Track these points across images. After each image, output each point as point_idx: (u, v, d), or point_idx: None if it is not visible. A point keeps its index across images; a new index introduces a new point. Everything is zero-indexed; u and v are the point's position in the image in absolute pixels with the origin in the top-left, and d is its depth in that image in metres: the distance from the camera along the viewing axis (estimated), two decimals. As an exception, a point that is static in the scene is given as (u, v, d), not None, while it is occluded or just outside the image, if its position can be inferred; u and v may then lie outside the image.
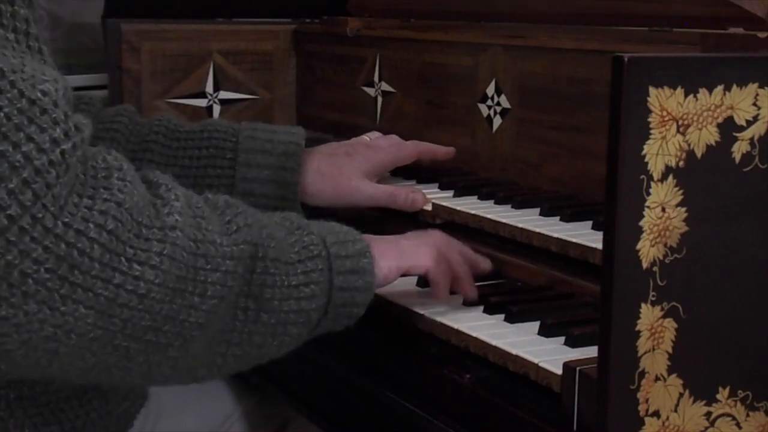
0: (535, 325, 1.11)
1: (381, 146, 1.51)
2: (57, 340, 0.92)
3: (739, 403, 0.97)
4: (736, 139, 0.94)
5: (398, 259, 1.17)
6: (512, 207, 1.35)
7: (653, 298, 0.91)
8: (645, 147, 0.89)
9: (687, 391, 0.94)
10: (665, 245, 0.91)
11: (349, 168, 1.46)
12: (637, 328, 0.91)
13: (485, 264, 1.27)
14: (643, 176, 0.89)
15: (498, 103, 1.51)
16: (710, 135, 0.92)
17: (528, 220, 1.28)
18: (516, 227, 1.27)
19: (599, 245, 0.96)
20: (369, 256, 1.12)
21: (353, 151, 1.48)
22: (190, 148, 1.45)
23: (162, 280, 0.94)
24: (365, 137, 1.56)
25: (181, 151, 1.45)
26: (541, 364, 1.01)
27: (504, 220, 1.29)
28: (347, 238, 1.12)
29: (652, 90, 0.89)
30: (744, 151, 0.94)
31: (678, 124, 0.90)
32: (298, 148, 1.44)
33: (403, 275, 1.19)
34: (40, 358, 0.93)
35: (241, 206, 1.06)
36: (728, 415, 0.97)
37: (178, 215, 0.96)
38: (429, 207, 1.42)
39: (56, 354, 0.93)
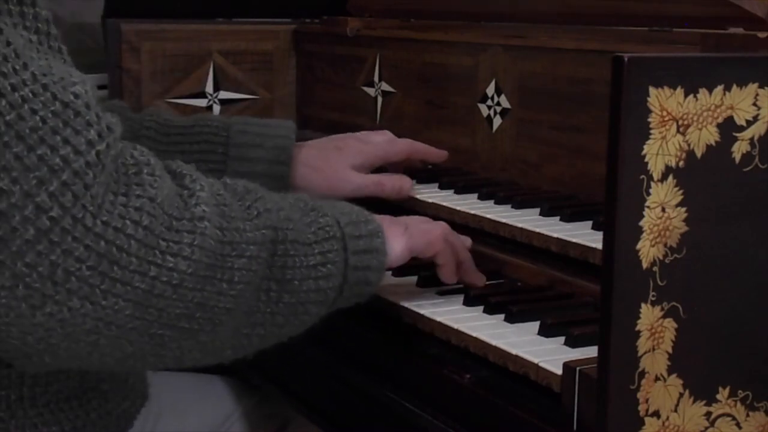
0: (535, 325, 1.11)
1: (372, 141, 1.52)
2: (98, 332, 0.95)
3: (739, 403, 0.97)
4: (736, 139, 0.94)
5: (409, 241, 1.19)
6: (512, 207, 1.35)
7: (653, 298, 0.91)
8: (645, 147, 0.89)
9: (687, 391, 0.94)
10: (665, 245, 0.91)
11: (338, 161, 1.47)
12: (637, 328, 0.91)
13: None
14: (643, 176, 0.89)
15: (498, 103, 1.51)
16: (710, 135, 0.92)
17: (528, 220, 1.28)
18: (516, 227, 1.27)
19: (599, 245, 0.96)
20: (381, 236, 1.14)
21: (343, 145, 1.49)
22: (181, 143, 1.46)
23: (194, 270, 0.97)
24: (360, 132, 1.56)
25: (172, 146, 1.46)
26: (541, 364, 1.01)
27: (504, 220, 1.29)
28: (359, 218, 1.14)
29: (652, 90, 0.89)
30: (744, 151, 0.94)
31: (678, 124, 0.90)
32: (290, 142, 1.45)
33: (414, 259, 1.21)
34: (81, 349, 0.97)
35: (259, 191, 1.08)
36: (728, 415, 0.97)
37: (204, 205, 0.99)
38: (430, 200, 1.42)
39: (97, 345, 0.97)
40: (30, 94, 0.92)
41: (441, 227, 1.23)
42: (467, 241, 1.28)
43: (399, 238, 1.18)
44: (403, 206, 1.46)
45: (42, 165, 0.90)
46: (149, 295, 0.95)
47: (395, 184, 1.46)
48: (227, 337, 1.04)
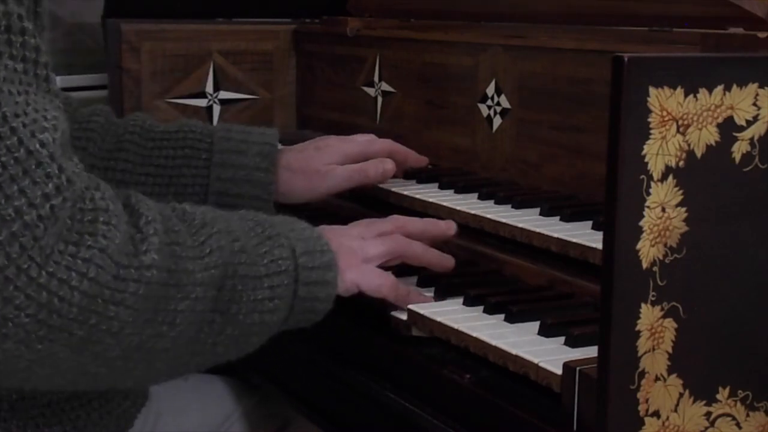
0: (535, 325, 1.11)
1: (353, 139, 1.52)
2: (31, 371, 0.95)
3: (739, 403, 0.97)
4: (736, 139, 0.93)
5: (360, 278, 1.19)
6: (512, 207, 1.35)
7: (653, 298, 0.91)
8: (645, 147, 0.89)
9: (687, 391, 0.94)
10: (665, 245, 0.91)
11: (318, 160, 1.47)
12: (637, 328, 0.91)
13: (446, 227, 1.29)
14: (643, 176, 0.89)
15: (498, 103, 1.51)
16: (710, 135, 0.92)
17: (528, 220, 1.28)
18: (516, 227, 1.27)
19: (599, 245, 0.96)
20: (335, 269, 1.14)
21: (323, 145, 1.49)
22: (165, 148, 1.46)
23: (135, 318, 0.96)
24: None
25: (156, 151, 1.46)
26: (541, 364, 1.01)
27: (504, 220, 1.29)
28: (316, 247, 1.13)
29: (652, 90, 0.89)
30: (744, 151, 0.94)
31: (678, 124, 0.90)
32: (273, 149, 1.46)
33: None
34: (13, 382, 0.98)
35: (217, 224, 1.06)
36: (728, 415, 0.97)
37: (155, 253, 0.98)
38: (430, 200, 1.42)
39: (28, 380, 0.98)
40: None
41: (399, 246, 1.23)
42: (450, 227, 1.28)
43: (353, 272, 1.18)
44: (402, 206, 1.46)
45: None
46: (87, 341, 0.95)
47: (378, 167, 1.46)
48: (163, 369, 1.04)
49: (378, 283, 1.20)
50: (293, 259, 1.10)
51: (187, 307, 1.00)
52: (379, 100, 1.76)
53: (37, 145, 0.92)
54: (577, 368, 0.95)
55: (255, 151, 1.45)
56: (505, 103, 1.50)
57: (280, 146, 1.48)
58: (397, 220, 1.28)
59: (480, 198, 1.41)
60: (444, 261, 1.27)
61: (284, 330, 1.14)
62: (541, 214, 1.31)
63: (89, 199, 0.95)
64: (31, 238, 0.90)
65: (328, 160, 1.47)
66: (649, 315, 0.91)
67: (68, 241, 0.93)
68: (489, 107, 1.53)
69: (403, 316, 1.20)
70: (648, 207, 0.90)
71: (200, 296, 1.01)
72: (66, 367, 0.96)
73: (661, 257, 0.91)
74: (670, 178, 0.91)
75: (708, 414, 0.96)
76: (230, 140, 1.46)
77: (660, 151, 0.90)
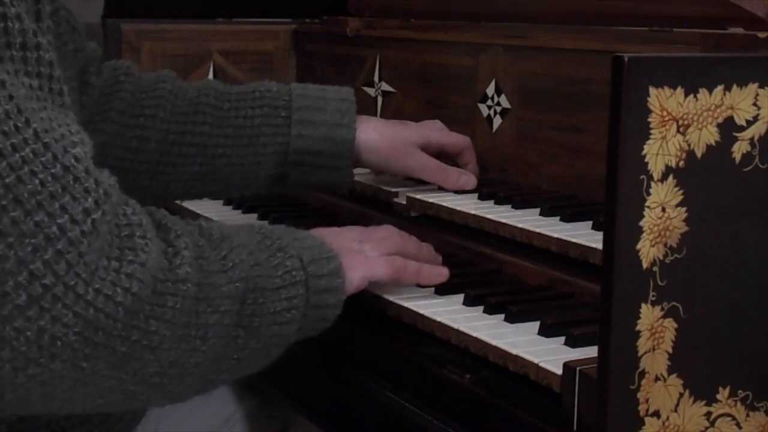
0: (535, 325, 1.11)
1: (431, 127, 1.52)
2: (74, 390, 0.96)
3: (739, 403, 0.97)
4: (736, 139, 0.93)
5: (367, 270, 1.19)
6: (512, 207, 1.35)
7: (653, 298, 0.91)
8: (645, 147, 0.89)
9: (687, 391, 0.94)
10: (665, 245, 0.91)
11: (406, 134, 1.47)
12: (637, 328, 0.91)
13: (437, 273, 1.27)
14: (643, 176, 0.89)
15: (498, 103, 1.51)
16: (710, 135, 0.92)
17: (528, 220, 1.28)
18: (516, 227, 1.27)
19: (599, 245, 0.96)
20: (342, 275, 1.14)
21: (407, 123, 1.50)
22: (243, 108, 1.45)
23: (172, 333, 0.97)
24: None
25: (233, 112, 1.45)
26: (541, 364, 1.01)
27: (504, 220, 1.29)
28: (321, 254, 1.13)
29: (652, 90, 0.89)
30: (744, 151, 0.94)
31: (678, 124, 0.90)
32: (352, 105, 1.45)
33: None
34: (54, 404, 0.98)
35: (234, 238, 1.07)
36: (728, 415, 0.97)
37: (188, 266, 0.99)
38: (430, 200, 1.42)
39: (70, 401, 0.98)
40: (31, 155, 0.91)
41: (397, 244, 1.24)
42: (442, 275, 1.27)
43: (359, 267, 1.18)
44: (403, 206, 1.46)
45: (38, 232, 0.90)
46: (129, 357, 0.95)
47: (461, 177, 1.46)
48: (193, 385, 1.05)
49: (386, 269, 1.20)
50: (303, 269, 1.11)
51: (217, 320, 1.01)
52: (379, 100, 1.76)
53: (72, 160, 0.92)
54: (577, 368, 0.95)
55: (334, 107, 1.44)
56: (505, 103, 1.50)
57: None
58: (391, 229, 1.28)
59: (480, 198, 1.41)
60: (437, 270, 1.25)
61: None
62: (541, 214, 1.31)
63: (123, 215, 0.96)
64: (77, 255, 0.91)
65: (415, 139, 1.47)
66: (649, 315, 0.91)
67: (110, 256, 0.93)
68: (489, 107, 1.53)
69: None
70: (648, 207, 0.90)
71: (227, 309, 1.02)
72: (106, 386, 0.97)
73: (661, 257, 0.91)
74: (670, 178, 0.91)
75: (708, 414, 0.96)
76: (308, 97, 1.45)
77: (660, 151, 0.90)
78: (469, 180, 1.45)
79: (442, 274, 1.24)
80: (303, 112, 1.43)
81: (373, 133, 1.46)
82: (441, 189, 1.48)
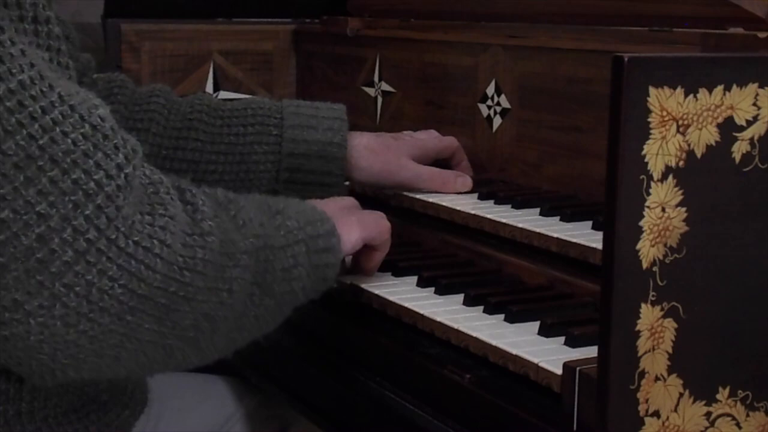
0: (535, 325, 1.11)
1: (422, 137, 1.54)
2: (121, 346, 0.99)
3: (739, 403, 0.97)
4: (736, 139, 0.94)
5: (362, 231, 1.22)
6: (512, 207, 1.35)
7: (653, 298, 0.91)
8: (645, 147, 0.89)
9: (687, 391, 0.94)
10: (665, 245, 0.91)
11: (397, 148, 1.49)
12: (637, 328, 0.91)
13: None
14: (643, 176, 0.89)
15: (498, 103, 1.51)
16: (710, 135, 0.92)
17: (528, 220, 1.28)
18: (516, 227, 1.27)
19: (599, 245, 0.96)
20: (336, 234, 1.17)
21: (398, 137, 1.52)
22: (234, 125, 1.47)
23: (204, 284, 1.00)
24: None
25: (225, 129, 1.47)
26: (541, 364, 1.01)
27: (504, 220, 1.29)
28: (315, 217, 1.16)
29: (652, 90, 0.89)
30: (744, 151, 0.94)
31: (678, 124, 0.90)
32: (344, 124, 1.46)
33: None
34: (103, 363, 1.01)
35: (240, 199, 1.10)
36: (728, 415, 0.97)
37: (210, 220, 1.03)
38: (430, 200, 1.42)
39: (118, 359, 1.00)
40: (60, 116, 0.94)
41: (386, 220, 1.26)
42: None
43: (353, 228, 1.21)
44: (403, 206, 1.47)
45: (77, 189, 0.93)
46: (168, 309, 0.98)
47: (458, 180, 1.47)
48: (221, 342, 1.07)
49: (380, 228, 1.23)
50: (302, 229, 1.13)
51: (239, 274, 1.04)
52: (379, 100, 1.76)
53: (99, 119, 0.96)
54: (577, 368, 0.95)
55: (326, 125, 1.46)
56: (505, 103, 1.50)
57: None
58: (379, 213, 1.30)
59: (480, 198, 1.41)
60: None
61: (281, 329, 1.15)
62: (541, 214, 1.31)
63: (144, 175, 1.00)
64: (114, 209, 0.94)
65: (408, 151, 1.49)
66: (649, 315, 0.91)
67: (144, 211, 0.97)
68: (489, 107, 1.53)
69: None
70: (648, 207, 0.90)
71: (245, 264, 1.04)
72: (149, 340, 0.99)
73: (661, 257, 0.91)
74: (670, 178, 0.91)
75: (708, 414, 0.96)
76: (300, 115, 1.47)
77: (660, 151, 0.90)
78: (466, 181, 1.46)
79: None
80: (295, 131, 1.45)
81: (364, 150, 1.47)
82: (441, 189, 1.48)
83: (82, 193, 0.93)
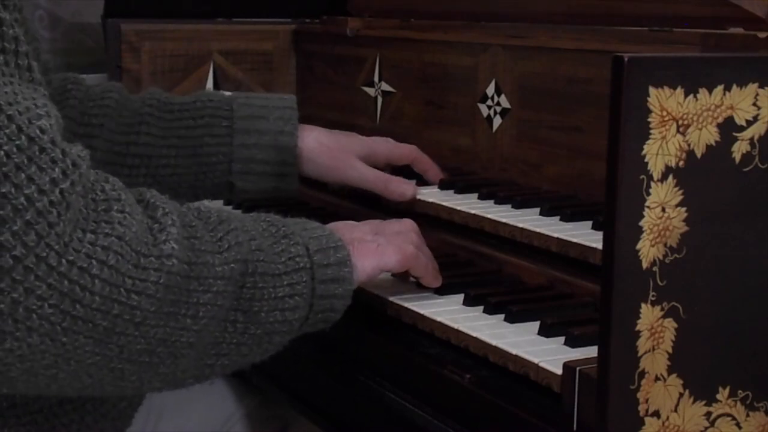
0: (535, 325, 1.11)
1: (376, 139, 1.54)
2: (57, 367, 0.95)
3: (739, 403, 0.97)
4: (736, 139, 0.94)
5: (378, 259, 1.18)
6: (512, 207, 1.35)
7: (653, 298, 0.91)
8: (645, 147, 0.89)
9: (687, 391, 0.94)
10: (665, 245, 0.91)
11: (348, 145, 1.49)
12: (637, 328, 0.91)
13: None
14: (643, 176, 0.89)
15: (498, 103, 1.51)
16: (710, 135, 0.92)
17: (528, 220, 1.28)
18: (516, 227, 1.27)
19: (599, 245, 0.96)
20: (349, 264, 1.13)
21: (351, 134, 1.52)
22: (185, 119, 1.47)
23: (157, 308, 0.96)
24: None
25: (176, 122, 1.47)
26: (541, 364, 1.01)
27: (504, 220, 1.29)
28: (329, 244, 1.13)
29: (652, 90, 0.89)
30: (744, 151, 0.94)
31: (678, 124, 0.90)
32: (294, 113, 1.47)
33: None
34: (39, 382, 0.97)
35: (233, 221, 1.07)
36: (728, 415, 0.97)
37: (173, 242, 0.98)
38: (430, 200, 1.42)
39: (55, 379, 0.97)
40: None
41: (412, 240, 1.22)
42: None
43: (370, 256, 1.17)
44: (402, 206, 1.46)
45: (6, 204, 0.89)
46: (111, 332, 0.95)
47: (400, 186, 1.45)
48: (189, 368, 1.03)
49: (397, 257, 1.19)
50: (308, 257, 1.10)
51: (209, 300, 1.00)
52: (379, 100, 1.76)
53: (37, 131, 0.92)
54: (577, 368, 0.95)
55: (276, 115, 1.46)
56: (505, 103, 1.50)
57: None
58: (409, 223, 1.27)
59: (480, 198, 1.41)
60: (437, 279, 1.25)
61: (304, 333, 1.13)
62: (541, 214, 1.31)
63: (100, 190, 0.96)
64: (46, 225, 0.90)
65: (358, 150, 1.49)
66: (649, 315, 0.91)
67: (85, 229, 0.93)
68: (489, 107, 1.53)
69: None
70: (648, 207, 0.90)
71: (221, 290, 1.01)
72: (91, 362, 0.96)
73: (661, 257, 0.91)
74: (670, 178, 0.91)
75: (708, 414, 0.96)
76: (251, 106, 1.46)
77: (660, 151, 0.90)
78: (409, 188, 1.45)
79: (440, 278, 1.24)
80: (245, 122, 1.45)
81: (314, 143, 1.47)
82: (441, 188, 1.48)
83: (11, 207, 0.89)
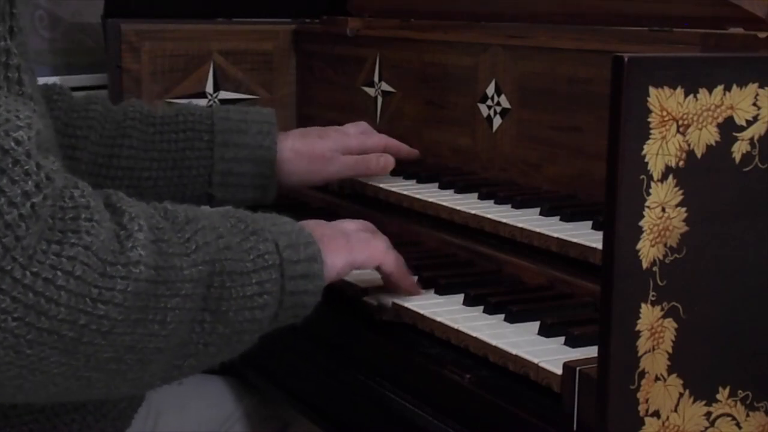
0: (535, 325, 1.11)
1: (350, 132, 1.58)
2: (22, 378, 0.93)
3: (739, 403, 0.97)
4: (736, 139, 0.94)
5: (350, 255, 1.18)
6: (512, 207, 1.35)
7: (653, 298, 0.91)
8: (645, 147, 0.89)
9: (687, 391, 0.94)
10: (665, 245, 0.91)
11: (322, 146, 1.53)
12: (637, 328, 0.91)
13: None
14: (643, 176, 0.89)
15: (498, 103, 1.51)
16: (710, 135, 0.92)
17: (528, 220, 1.29)
18: (516, 227, 1.27)
19: (599, 245, 0.96)
20: (320, 260, 1.13)
21: (324, 134, 1.55)
22: (167, 132, 1.49)
23: (125, 316, 0.94)
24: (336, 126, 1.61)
25: (158, 136, 1.49)
26: (541, 364, 1.01)
27: (504, 220, 1.29)
28: (299, 240, 1.12)
29: (652, 90, 0.89)
30: (744, 151, 0.94)
31: (678, 124, 0.90)
32: (272, 127, 1.50)
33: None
34: (5, 392, 0.95)
35: (200, 220, 1.05)
36: (728, 415, 0.97)
37: (141, 249, 0.96)
38: (430, 200, 1.42)
39: (21, 388, 0.95)
40: None
41: (382, 238, 1.23)
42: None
43: (340, 252, 1.17)
44: (402, 206, 1.47)
45: None
46: (77, 342, 0.93)
47: (379, 159, 1.53)
48: (157, 371, 1.02)
49: (369, 253, 1.19)
50: (278, 253, 1.09)
51: (177, 304, 0.98)
52: (379, 100, 1.76)
53: (12, 143, 0.89)
54: (577, 368, 0.95)
55: (255, 129, 1.49)
56: (505, 103, 1.50)
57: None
58: (368, 223, 1.27)
59: (480, 198, 1.41)
60: (414, 287, 1.24)
61: (281, 328, 1.12)
62: (541, 214, 1.31)
63: (69, 198, 0.93)
64: (13, 239, 0.88)
65: (332, 147, 1.53)
66: (649, 315, 0.91)
67: (51, 240, 0.90)
68: (489, 107, 1.53)
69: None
70: (648, 207, 0.90)
71: (189, 293, 0.99)
72: (58, 372, 0.94)
73: (661, 257, 0.91)
74: (670, 178, 0.91)
75: (708, 414, 0.96)
76: (230, 120, 1.50)
77: (660, 151, 0.90)
78: (388, 160, 1.54)
79: (416, 286, 1.24)
80: (225, 135, 1.49)
81: (289, 153, 1.51)
82: (441, 188, 1.48)
83: None
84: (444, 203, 1.40)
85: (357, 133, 1.58)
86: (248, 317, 1.06)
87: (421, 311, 1.18)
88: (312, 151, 1.51)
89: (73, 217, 0.92)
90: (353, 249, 1.18)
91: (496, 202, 1.38)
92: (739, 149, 0.94)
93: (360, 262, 1.19)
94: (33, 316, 0.89)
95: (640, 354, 0.91)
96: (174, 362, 1.03)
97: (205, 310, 1.02)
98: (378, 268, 1.21)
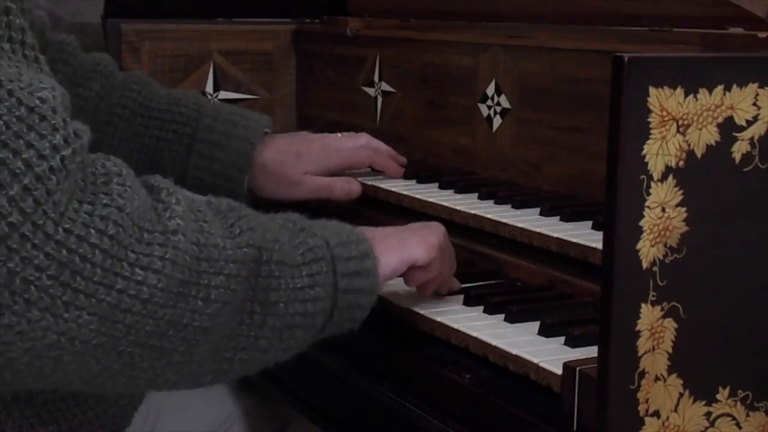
0: (535, 325, 1.11)
1: (342, 147, 1.56)
2: (61, 347, 0.91)
3: (739, 403, 0.97)
4: (736, 139, 0.94)
5: (402, 252, 1.16)
6: (512, 207, 1.35)
7: (653, 298, 0.91)
8: (645, 147, 0.89)
9: (687, 391, 0.94)
10: (665, 245, 0.91)
11: (292, 168, 1.52)
12: (637, 328, 0.91)
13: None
14: (643, 176, 0.89)
15: (498, 103, 1.51)
16: (710, 135, 0.92)
17: (528, 220, 1.29)
18: (516, 227, 1.27)
19: (599, 245, 0.96)
20: (372, 257, 1.11)
21: (305, 152, 1.54)
22: (151, 127, 1.51)
23: (165, 285, 0.93)
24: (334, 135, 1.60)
25: (142, 129, 1.51)
26: (541, 364, 1.01)
27: (504, 220, 1.29)
28: (350, 238, 1.11)
29: (652, 90, 0.89)
30: (744, 151, 0.94)
31: (678, 124, 0.90)
32: (251, 148, 1.50)
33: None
34: (44, 366, 0.93)
35: (244, 209, 1.05)
36: (728, 415, 0.97)
37: (179, 219, 0.95)
38: (430, 200, 1.42)
39: (60, 362, 0.93)
40: None
41: (438, 236, 1.20)
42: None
43: (393, 251, 1.15)
44: (402, 206, 1.47)
45: (3, 168, 0.86)
46: (116, 309, 0.91)
47: (344, 187, 1.53)
48: (206, 360, 1.00)
49: (424, 249, 1.17)
50: (328, 249, 1.08)
51: (221, 283, 0.97)
52: (379, 100, 1.76)
53: (37, 102, 0.89)
54: (577, 368, 0.95)
55: (234, 147, 1.49)
56: (505, 103, 1.50)
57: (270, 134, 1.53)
58: (440, 225, 1.24)
59: (480, 198, 1.41)
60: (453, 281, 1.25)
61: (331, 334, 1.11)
62: (541, 214, 1.31)
63: (101, 166, 0.93)
64: (45, 192, 0.87)
65: (303, 170, 1.52)
66: (649, 315, 0.91)
67: (82, 200, 0.89)
68: (489, 107, 1.53)
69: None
70: (648, 207, 0.90)
71: (234, 273, 0.98)
72: (97, 343, 0.91)
73: (661, 257, 0.91)
74: (670, 178, 0.91)
75: (708, 414, 0.96)
76: (214, 131, 1.50)
77: (660, 151, 0.90)
78: (352, 188, 1.53)
79: (457, 285, 1.24)
80: (203, 145, 1.50)
81: (259, 173, 1.51)
82: (441, 188, 1.48)
83: (8, 172, 0.86)
84: (444, 203, 1.40)
85: (349, 148, 1.55)
86: (300, 310, 1.04)
87: (421, 311, 1.18)
88: (280, 171, 1.51)
89: (105, 182, 0.92)
90: (406, 246, 1.16)
91: (496, 202, 1.38)
92: (739, 149, 0.94)
93: (415, 258, 1.17)
94: (68, 274, 0.88)
95: (640, 354, 0.91)
96: (224, 354, 1.01)
97: (254, 301, 1.01)
98: (427, 267, 1.19)
